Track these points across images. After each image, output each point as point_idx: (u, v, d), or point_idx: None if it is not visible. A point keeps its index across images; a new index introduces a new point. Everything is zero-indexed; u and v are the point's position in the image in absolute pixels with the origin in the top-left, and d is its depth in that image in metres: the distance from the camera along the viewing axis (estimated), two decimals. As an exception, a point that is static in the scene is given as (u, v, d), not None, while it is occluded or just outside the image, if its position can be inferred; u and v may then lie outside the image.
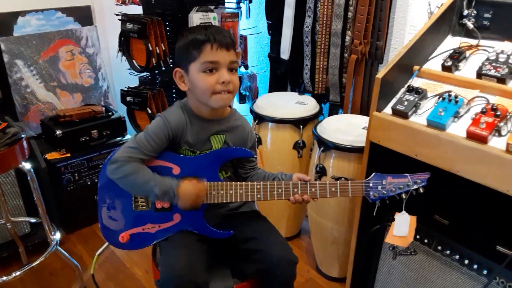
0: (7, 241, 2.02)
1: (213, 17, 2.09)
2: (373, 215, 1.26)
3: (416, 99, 1.29)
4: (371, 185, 1.18)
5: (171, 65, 2.13)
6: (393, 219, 1.24)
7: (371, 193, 1.18)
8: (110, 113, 2.38)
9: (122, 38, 2.13)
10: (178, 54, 1.22)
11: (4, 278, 1.66)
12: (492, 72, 1.23)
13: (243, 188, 1.19)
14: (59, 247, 1.83)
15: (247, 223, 1.29)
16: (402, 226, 1.24)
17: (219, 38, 1.14)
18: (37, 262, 1.73)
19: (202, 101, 1.19)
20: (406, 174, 1.17)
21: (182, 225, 1.24)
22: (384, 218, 1.36)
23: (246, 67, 2.46)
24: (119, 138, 2.39)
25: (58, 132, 2.15)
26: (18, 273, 1.68)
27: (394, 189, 1.17)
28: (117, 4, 2.35)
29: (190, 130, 1.21)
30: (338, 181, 1.19)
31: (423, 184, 1.16)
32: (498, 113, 1.12)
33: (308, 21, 2.03)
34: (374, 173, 1.20)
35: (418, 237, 1.36)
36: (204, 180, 1.19)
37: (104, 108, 2.37)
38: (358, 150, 1.62)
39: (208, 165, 1.20)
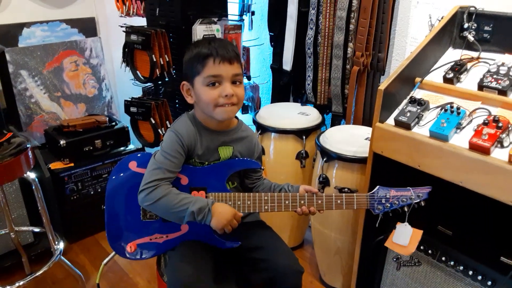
0: (10, 251, 2.01)
1: (216, 29, 2.12)
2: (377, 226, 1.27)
3: (419, 110, 1.31)
4: (375, 198, 1.20)
5: (175, 76, 2.16)
6: (395, 228, 1.26)
7: (375, 206, 1.20)
8: (113, 123, 2.39)
9: (126, 50, 2.16)
10: (185, 67, 1.24)
11: (8, 287, 1.66)
12: (494, 84, 1.25)
13: (250, 199, 1.20)
14: (62, 257, 1.83)
15: (253, 233, 1.30)
16: (402, 236, 1.26)
17: (221, 52, 1.15)
18: (41, 272, 1.72)
19: (206, 113, 1.21)
20: (408, 187, 1.19)
21: (190, 235, 1.24)
22: (387, 228, 1.37)
23: (249, 78, 2.49)
24: (122, 148, 2.39)
25: (62, 142, 2.16)
26: (21, 283, 1.67)
27: (397, 202, 1.20)
28: (121, 16, 2.38)
29: (200, 141, 1.23)
30: (344, 194, 1.20)
31: (424, 197, 1.18)
32: (500, 124, 1.14)
33: (310, 33, 2.05)
34: (378, 186, 1.21)
35: (422, 247, 1.36)
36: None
37: (107, 118, 2.38)
38: (361, 160, 1.63)
39: (216, 176, 1.22)
